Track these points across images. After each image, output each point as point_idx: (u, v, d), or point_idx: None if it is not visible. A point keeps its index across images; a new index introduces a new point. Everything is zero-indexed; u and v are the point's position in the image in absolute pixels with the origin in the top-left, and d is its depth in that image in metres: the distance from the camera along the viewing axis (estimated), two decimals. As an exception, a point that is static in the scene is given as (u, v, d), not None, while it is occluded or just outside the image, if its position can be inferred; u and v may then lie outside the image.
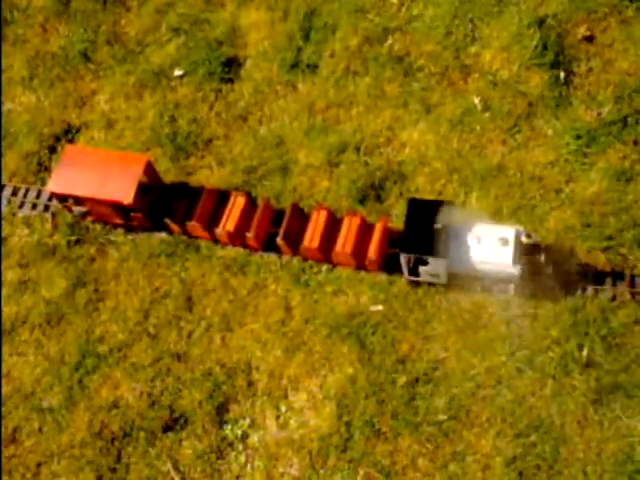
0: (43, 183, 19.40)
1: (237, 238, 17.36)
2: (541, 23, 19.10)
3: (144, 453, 16.02)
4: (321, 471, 15.31)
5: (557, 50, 18.77)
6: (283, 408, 16.01)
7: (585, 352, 15.36)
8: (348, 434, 15.46)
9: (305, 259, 17.24)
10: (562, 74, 18.53)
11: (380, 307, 16.52)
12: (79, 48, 21.22)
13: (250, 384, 16.35)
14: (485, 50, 19.19)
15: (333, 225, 16.99)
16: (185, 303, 17.37)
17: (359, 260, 16.65)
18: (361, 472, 15.12)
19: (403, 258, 15.68)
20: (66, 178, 17.52)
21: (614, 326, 15.60)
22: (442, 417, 15.31)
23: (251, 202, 17.78)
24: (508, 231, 15.54)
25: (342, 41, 19.84)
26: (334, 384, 15.96)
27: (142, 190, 17.25)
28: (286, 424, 15.86)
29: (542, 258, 15.63)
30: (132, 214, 17.66)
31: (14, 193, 19.57)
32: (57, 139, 20.06)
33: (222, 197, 17.87)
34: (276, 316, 16.85)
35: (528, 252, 15.57)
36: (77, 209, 18.21)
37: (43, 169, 19.77)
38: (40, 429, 16.64)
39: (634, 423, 14.67)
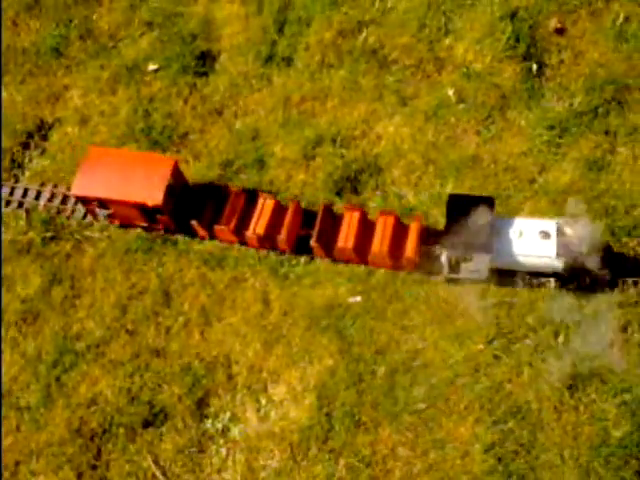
0: (17, 180, 19.20)
1: (267, 241, 17.13)
2: (513, 15, 19.34)
3: (124, 449, 15.94)
4: (302, 462, 15.36)
5: (529, 42, 19.02)
6: (263, 401, 16.04)
7: (560, 339, 15.63)
8: (329, 425, 15.54)
9: (338, 261, 17.01)
10: (534, 66, 18.78)
11: (358, 298, 16.61)
12: (51, 43, 20.99)
13: (230, 378, 16.34)
14: (458, 42, 19.36)
15: (366, 225, 16.84)
16: (163, 298, 17.29)
17: (395, 260, 16.48)
18: (342, 462, 15.21)
19: (445, 256, 15.62)
20: (90, 180, 17.08)
21: (588, 313, 15.84)
22: (421, 406, 15.45)
23: (279, 204, 17.44)
24: (549, 224, 15.57)
25: (317, 34, 19.87)
26: (314, 376, 16.02)
27: (170, 192, 16.89)
28: (266, 417, 15.89)
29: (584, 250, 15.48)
30: (158, 216, 17.27)
31: (-13, 190, 19.31)
32: (30, 135, 19.82)
33: (249, 199, 17.57)
34: (255, 309, 16.86)
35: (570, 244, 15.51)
36: (101, 212, 17.78)
37: (16, 166, 19.51)
38: (18, 427, 16.45)
39: (609, 407, 14.96)
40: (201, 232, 17.58)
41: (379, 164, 18.07)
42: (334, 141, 18.44)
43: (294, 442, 15.53)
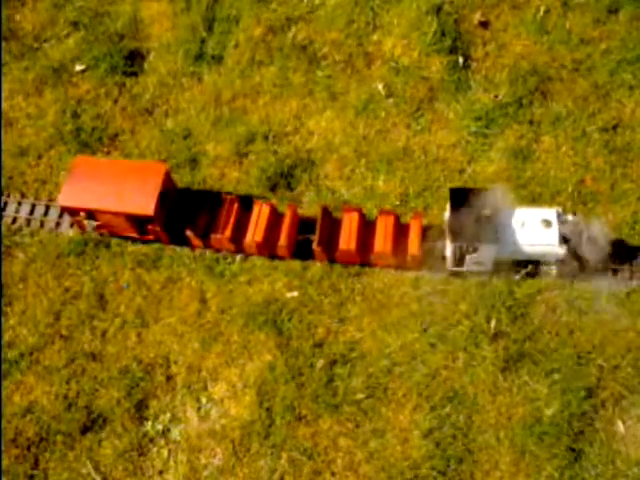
0: (-60, 186, 18.61)
1: (265, 248, 16.90)
2: (438, 10, 19.74)
3: (63, 457, 15.64)
4: (244, 459, 15.36)
5: (455, 36, 19.44)
6: (203, 400, 15.97)
7: (493, 323, 16.04)
8: (269, 420, 15.58)
9: (341, 263, 16.86)
10: (460, 59, 19.21)
11: (295, 293, 16.70)
12: (-28, 45, 20.43)
13: (169, 378, 16.21)
14: (386, 37, 19.65)
15: (365, 226, 16.85)
16: (97, 302, 17.03)
17: (399, 258, 16.43)
18: (284, 456, 15.27)
19: (450, 248, 15.68)
20: (78, 191, 16.44)
21: (518, 297, 16.32)
22: (360, 396, 15.64)
23: (275, 210, 17.24)
24: (549, 213, 15.86)
25: (246, 31, 19.87)
26: (253, 372, 16.04)
27: (161, 201, 16.39)
28: (207, 415, 15.83)
29: (585, 238, 15.81)
30: (149, 227, 16.76)
31: None
32: (-47, 140, 19.26)
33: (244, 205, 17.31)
34: (192, 308, 16.77)
35: (571, 232, 15.85)
36: (89, 223, 17.13)
37: (-61, 172, 18.93)
38: (-50, 441, 16.01)
39: (540, 387, 15.43)
40: (196, 242, 17.18)
41: (312, 159, 18.21)
42: (266, 138, 18.50)
43: (236, 439, 15.52)
